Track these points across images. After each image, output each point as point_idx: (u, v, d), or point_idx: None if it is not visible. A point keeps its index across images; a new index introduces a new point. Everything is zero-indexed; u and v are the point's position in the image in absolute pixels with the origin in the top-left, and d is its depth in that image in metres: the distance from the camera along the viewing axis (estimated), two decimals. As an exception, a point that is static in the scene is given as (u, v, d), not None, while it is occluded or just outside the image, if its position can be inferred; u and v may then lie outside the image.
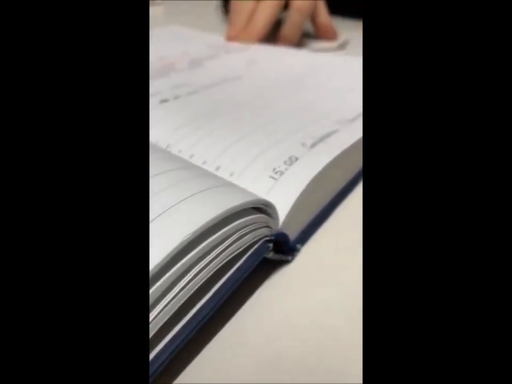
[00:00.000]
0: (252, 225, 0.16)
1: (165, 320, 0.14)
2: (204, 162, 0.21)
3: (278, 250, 0.19)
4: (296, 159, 0.21)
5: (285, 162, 0.21)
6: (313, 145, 0.22)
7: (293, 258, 0.19)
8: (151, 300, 0.13)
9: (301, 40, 0.45)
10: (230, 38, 0.44)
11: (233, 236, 0.16)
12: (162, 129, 0.24)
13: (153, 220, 0.14)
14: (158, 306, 0.13)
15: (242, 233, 0.16)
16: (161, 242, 0.13)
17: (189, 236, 0.13)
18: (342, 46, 0.45)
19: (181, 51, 0.39)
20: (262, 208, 0.17)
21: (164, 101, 0.28)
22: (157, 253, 0.13)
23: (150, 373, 0.13)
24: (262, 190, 0.19)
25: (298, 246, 0.20)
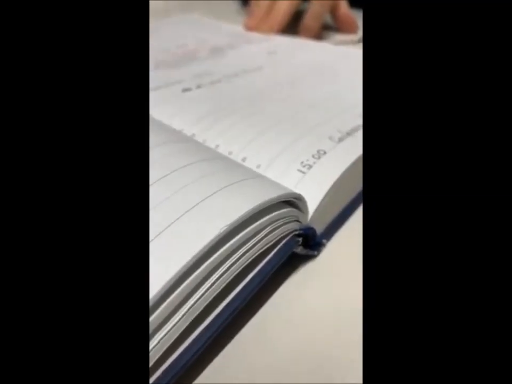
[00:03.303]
0: (283, 219, 0.16)
1: (200, 310, 0.14)
2: (230, 153, 0.21)
3: (305, 244, 0.18)
4: (325, 152, 0.20)
5: (313, 156, 0.20)
6: (341, 139, 0.22)
7: (318, 253, 0.19)
8: (187, 291, 0.13)
9: (322, 32, 0.45)
10: (249, 28, 0.43)
11: (266, 230, 0.15)
12: (186, 119, 0.24)
13: (186, 212, 0.14)
14: (192, 298, 0.13)
15: (274, 226, 0.16)
16: (196, 236, 0.13)
17: (225, 227, 0.13)
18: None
19: (200, 40, 0.38)
20: (293, 202, 0.17)
21: (186, 89, 0.27)
22: (191, 247, 0.13)
23: (181, 366, 0.13)
24: (289, 183, 0.19)
25: (324, 241, 0.20)
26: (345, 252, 0.20)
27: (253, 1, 0.46)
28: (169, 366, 0.13)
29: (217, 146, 0.22)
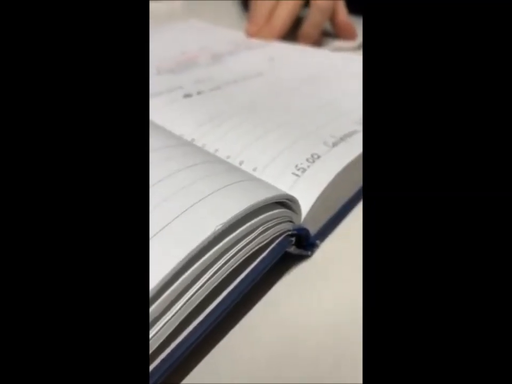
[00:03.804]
0: (276, 219, 0.17)
1: (193, 306, 0.14)
2: (228, 157, 0.22)
3: (299, 245, 0.19)
4: (319, 156, 0.21)
5: (307, 160, 0.21)
6: (335, 144, 0.22)
7: (312, 254, 0.20)
8: (182, 287, 0.14)
9: (321, 39, 0.45)
10: (250, 34, 0.44)
11: (259, 229, 0.16)
12: (187, 124, 0.25)
13: (184, 211, 0.15)
14: (186, 295, 0.14)
15: (267, 226, 0.16)
16: (191, 233, 0.14)
17: (221, 226, 0.14)
18: (361, 46, 0.45)
19: (201, 46, 0.39)
20: (286, 203, 0.18)
21: (187, 95, 0.28)
22: (186, 245, 0.14)
23: (173, 361, 0.14)
24: (284, 186, 0.20)
25: (317, 242, 0.20)
26: (338, 253, 0.20)
27: (253, 7, 0.47)
28: (161, 361, 0.14)
29: (216, 150, 0.23)
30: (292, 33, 0.44)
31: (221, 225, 0.14)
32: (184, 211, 0.15)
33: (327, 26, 0.47)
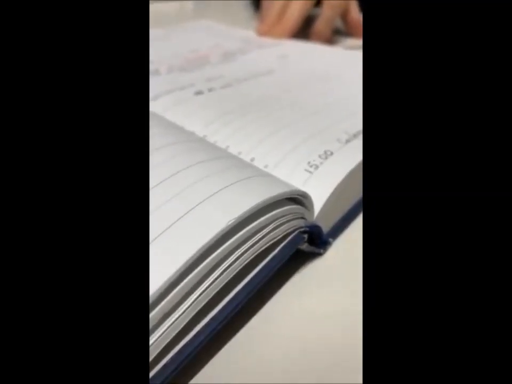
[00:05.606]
0: (288, 216, 0.17)
1: (200, 307, 0.14)
2: (239, 154, 0.22)
3: (311, 242, 0.19)
4: (332, 153, 0.21)
5: (320, 156, 0.21)
6: (348, 140, 0.22)
7: (324, 252, 0.20)
8: (188, 287, 0.13)
9: (333, 37, 0.45)
10: (261, 33, 0.44)
11: (271, 225, 0.16)
12: (198, 121, 0.25)
13: (195, 206, 0.15)
14: (193, 294, 0.14)
15: (279, 222, 0.16)
16: (203, 228, 0.14)
17: (233, 221, 0.14)
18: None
19: (213, 45, 0.39)
20: (299, 199, 0.17)
21: (198, 93, 0.28)
22: (198, 240, 0.13)
23: (183, 359, 0.14)
24: (297, 182, 0.19)
25: (330, 239, 0.20)
26: (351, 251, 0.20)
27: (264, 6, 0.47)
28: (169, 360, 0.14)
29: (227, 147, 0.22)
30: (303, 32, 0.44)
31: (233, 220, 0.14)
32: (195, 206, 0.14)
33: (339, 24, 0.47)
